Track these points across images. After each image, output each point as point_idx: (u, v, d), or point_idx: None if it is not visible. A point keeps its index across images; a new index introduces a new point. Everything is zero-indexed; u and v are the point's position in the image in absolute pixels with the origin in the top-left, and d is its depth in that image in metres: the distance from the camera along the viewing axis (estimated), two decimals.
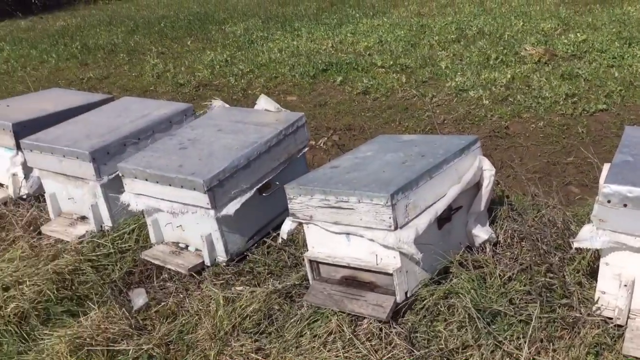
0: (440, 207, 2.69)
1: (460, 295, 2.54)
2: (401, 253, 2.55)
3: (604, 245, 2.26)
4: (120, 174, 3.34)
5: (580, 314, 2.36)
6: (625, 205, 2.19)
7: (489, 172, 2.94)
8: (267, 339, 2.67)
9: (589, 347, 2.23)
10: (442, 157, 2.80)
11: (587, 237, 2.28)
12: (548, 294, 2.51)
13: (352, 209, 2.60)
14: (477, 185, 2.98)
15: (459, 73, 6.56)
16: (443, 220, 2.81)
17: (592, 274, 2.55)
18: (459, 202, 2.89)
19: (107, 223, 3.65)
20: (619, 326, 2.30)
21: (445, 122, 5.55)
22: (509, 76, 6.25)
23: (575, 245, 2.32)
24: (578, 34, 7.24)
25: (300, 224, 2.84)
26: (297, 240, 3.21)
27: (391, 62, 7.18)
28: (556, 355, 2.25)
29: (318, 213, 2.72)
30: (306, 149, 3.58)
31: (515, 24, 8.19)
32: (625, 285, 2.26)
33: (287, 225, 2.89)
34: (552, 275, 2.60)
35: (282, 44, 8.65)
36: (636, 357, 2.19)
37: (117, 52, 9.51)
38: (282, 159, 3.39)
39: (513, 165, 4.58)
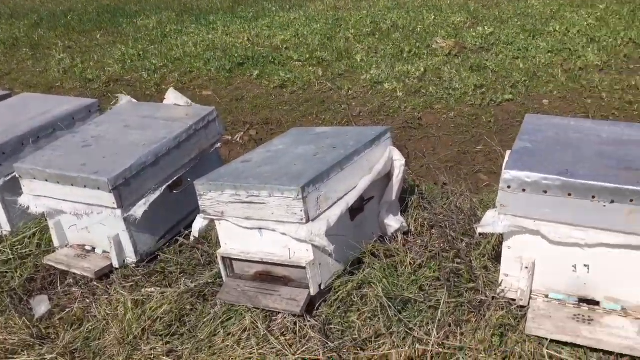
0: (351, 198, 2.70)
1: (373, 285, 2.56)
2: (314, 246, 2.54)
3: (505, 230, 2.34)
4: (17, 175, 3.14)
5: (486, 297, 2.44)
6: (524, 190, 2.27)
7: (399, 162, 2.98)
8: (179, 341, 2.59)
9: (494, 328, 2.30)
10: (353, 149, 2.81)
11: (490, 223, 2.35)
12: (456, 279, 2.57)
13: (263, 203, 2.56)
14: (388, 176, 3.01)
15: (374, 66, 6.64)
16: (355, 211, 2.82)
17: (497, 257, 2.63)
18: (370, 193, 2.91)
19: (5, 228, 3.43)
20: (522, 307, 2.39)
21: (361, 114, 5.60)
22: (421, 68, 6.39)
23: (479, 230, 2.39)
24: (486, 27, 7.50)
25: (212, 220, 2.77)
26: (210, 237, 3.14)
27: (308, 56, 7.17)
28: (464, 339, 2.31)
29: (229, 209, 2.66)
30: (219, 144, 3.50)
31: (427, 17, 8.39)
32: (527, 268, 2.35)
33: (199, 223, 2.81)
34: (459, 260, 2.67)
35: (197, 37, 8.46)
36: (538, 336, 2.28)
37: (19, 47, 8.98)
38: (193, 155, 3.30)
39: (426, 155, 4.68)
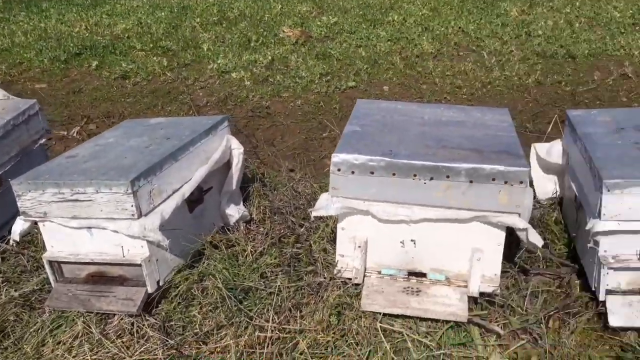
0: (187, 190, 2.62)
1: (213, 277, 2.51)
2: (148, 242, 2.43)
3: (337, 212, 2.40)
4: None
5: (324, 278, 2.49)
6: (353, 172, 2.34)
7: (237, 150, 2.95)
8: (2, 355, 2.36)
9: (331, 308, 2.36)
10: (188, 139, 2.72)
11: (324, 206, 2.40)
12: (296, 264, 2.60)
13: (90, 200, 2.40)
14: (228, 165, 2.97)
15: (221, 55, 6.54)
16: (194, 202, 2.75)
17: (335, 239, 2.70)
18: (209, 183, 2.85)
19: None
20: (357, 285, 2.47)
21: (208, 104, 5.49)
22: (269, 57, 6.40)
23: (313, 214, 2.43)
24: (330, 17, 7.68)
25: (35, 222, 2.55)
26: (37, 241, 2.89)
27: (152, 45, 6.90)
28: (303, 321, 2.35)
29: (53, 209, 2.46)
30: (43, 139, 3.24)
31: (274, 6, 8.42)
32: (359, 247, 2.43)
33: (19, 226, 2.57)
34: (299, 245, 2.70)
35: (27, 26, 7.79)
36: (372, 311, 2.37)
37: None
38: (12, 153, 3.02)
39: (275, 143, 4.70)
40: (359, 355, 2.27)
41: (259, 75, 6.01)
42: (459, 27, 7.22)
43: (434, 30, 7.13)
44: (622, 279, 2.36)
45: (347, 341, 2.32)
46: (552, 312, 2.46)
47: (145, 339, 2.39)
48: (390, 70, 6.15)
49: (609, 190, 2.22)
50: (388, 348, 2.26)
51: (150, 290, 2.49)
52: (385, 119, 2.71)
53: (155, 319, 2.46)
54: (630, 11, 7.24)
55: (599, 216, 2.28)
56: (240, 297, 2.46)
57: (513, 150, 2.40)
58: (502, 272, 2.64)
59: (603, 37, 6.44)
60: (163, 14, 8.20)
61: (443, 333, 2.37)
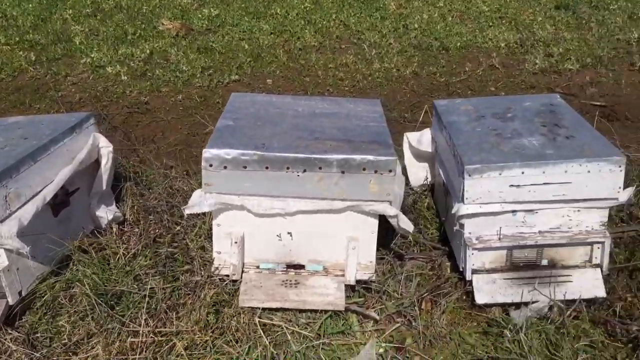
0: (49, 192, 2.45)
1: (81, 283, 2.38)
2: (6, 250, 2.25)
3: (211, 208, 2.35)
4: None
5: (201, 277, 2.43)
6: (225, 167, 2.30)
7: (106, 149, 2.80)
8: None
9: (208, 307, 2.31)
10: (48, 138, 2.55)
11: (197, 203, 2.34)
12: (171, 264, 2.52)
13: None
14: (97, 164, 2.81)
15: (95, 49, 6.21)
16: (59, 205, 2.58)
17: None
18: (76, 184, 2.69)
19: None
20: (235, 281, 2.44)
21: (82, 100, 5.20)
22: (147, 51, 6.16)
23: (186, 212, 2.36)
24: (212, 9, 7.53)
25: None
26: None
27: (17, 39, 6.43)
28: (180, 323, 2.28)
29: None
30: None
31: None
32: (236, 242, 2.40)
33: None
34: (175, 244, 2.63)
35: None
36: (251, 307, 2.35)
37: None
38: None
39: (155, 140, 4.54)
40: (238, 352, 2.25)
41: (137, 69, 5.77)
42: (341, 21, 7.33)
43: (316, 24, 7.19)
44: (486, 259, 2.50)
45: (226, 339, 2.28)
46: (425, 295, 2.56)
47: (8, 354, 2.22)
48: (274, 63, 6.13)
49: (469, 175, 2.34)
50: (267, 342, 2.25)
51: (11, 302, 2.31)
52: (259, 113, 2.68)
53: (19, 332, 2.29)
54: (497, 5, 7.70)
55: (462, 200, 2.39)
56: (112, 302, 2.35)
57: (382, 139, 2.47)
58: (378, 258, 2.72)
59: (473, 30, 6.80)
60: (31, 5, 7.65)
61: (322, 323, 2.39)
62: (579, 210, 2.41)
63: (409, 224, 2.42)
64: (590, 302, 2.47)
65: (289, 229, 2.42)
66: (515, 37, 6.49)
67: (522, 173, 2.32)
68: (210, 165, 2.29)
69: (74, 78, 5.66)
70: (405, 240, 2.89)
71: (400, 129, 4.03)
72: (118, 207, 2.88)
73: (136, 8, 7.67)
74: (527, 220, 2.43)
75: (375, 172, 2.32)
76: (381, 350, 2.33)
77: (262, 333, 2.28)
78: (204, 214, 2.59)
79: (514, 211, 2.41)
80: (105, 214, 2.77)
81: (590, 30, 6.63)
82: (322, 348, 2.32)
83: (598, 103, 5.06)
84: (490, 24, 7.06)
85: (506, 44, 6.35)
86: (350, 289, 2.51)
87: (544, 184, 2.34)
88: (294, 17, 7.44)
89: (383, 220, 2.46)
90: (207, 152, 2.28)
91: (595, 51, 5.98)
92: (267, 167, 2.30)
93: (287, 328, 2.32)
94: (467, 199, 2.38)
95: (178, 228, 2.72)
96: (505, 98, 3.30)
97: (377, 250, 2.72)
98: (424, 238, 2.87)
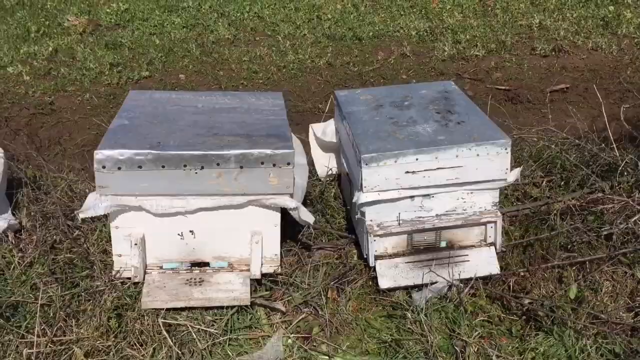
0: None
1: None
2: None
3: (107, 211, 2.30)
4: None
5: (102, 281, 2.37)
6: (119, 168, 2.24)
7: None
8: None
9: (109, 312, 2.26)
10: None
11: (91, 206, 2.28)
12: (71, 270, 2.45)
13: None
14: None
15: None
16: None
17: None
18: None
19: None
20: (137, 284, 2.40)
21: None
22: (51, 49, 5.92)
23: (81, 215, 2.30)
24: (120, 3, 7.30)
25: None
26: None
27: None
28: (80, 330, 2.22)
29: None
30: None
31: None
32: (136, 244, 2.35)
33: None
34: (75, 250, 2.55)
35: None
36: (154, 308, 2.32)
37: None
38: None
39: (61, 142, 4.38)
40: (142, 355, 2.21)
41: (40, 68, 5.54)
42: (255, 12, 7.29)
43: (229, 16, 7.11)
44: (388, 244, 2.57)
45: (129, 342, 2.24)
46: (331, 284, 2.60)
47: None
48: (187, 57, 6.03)
49: (366, 164, 2.39)
50: (171, 343, 2.23)
51: None
52: (157, 110, 2.64)
53: None
54: None
55: (361, 189, 2.44)
56: (7, 314, 2.26)
57: (281, 132, 2.48)
58: (286, 250, 2.75)
59: (385, 19, 6.92)
60: None
61: (229, 319, 2.39)
62: (472, 193, 2.51)
63: (310, 216, 2.45)
64: (487, 279, 2.58)
65: (191, 227, 2.40)
66: (425, 25, 6.66)
67: (417, 160, 2.40)
68: (104, 167, 2.23)
69: None
70: (314, 231, 2.93)
71: (314, 120, 4.06)
72: (14, 215, 2.76)
73: (39, 4, 7.35)
74: (425, 205, 2.52)
75: (274, 165, 2.33)
76: (289, 341, 2.35)
77: (166, 334, 2.25)
78: (105, 216, 2.52)
79: (411, 197, 2.49)
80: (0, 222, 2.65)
81: (495, 16, 6.88)
82: (229, 344, 2.32)
83: (503, 87, 5.28)
84: (402, 12, 7.20)
85: (417, 32, 6.50)
86: (256, 283, 2.52)
87: (438, 169, 2.42)
88: (206, 10, 7.33)
89: (284, 212, 2.48)
90: (99, 154, 2.22)
91: (499, 37, 6.21)
92: (163, 166, 2.27)
93: (192, 327, 2.31)
94: (365, 187, 2.43)
95: (77, 232, 2.64)
96: (403, 87, 3.39)
97: (285, 242, 2.75)
98: (331, 227, 2.91)
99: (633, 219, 2.66)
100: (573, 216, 2.83)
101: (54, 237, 2.62)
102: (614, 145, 3.02)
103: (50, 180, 3.10)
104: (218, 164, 2.29)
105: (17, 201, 2.87)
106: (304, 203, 2.61)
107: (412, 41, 6.34)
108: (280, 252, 2.53)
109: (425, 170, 2.42)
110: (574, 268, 2.60)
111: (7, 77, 5.39)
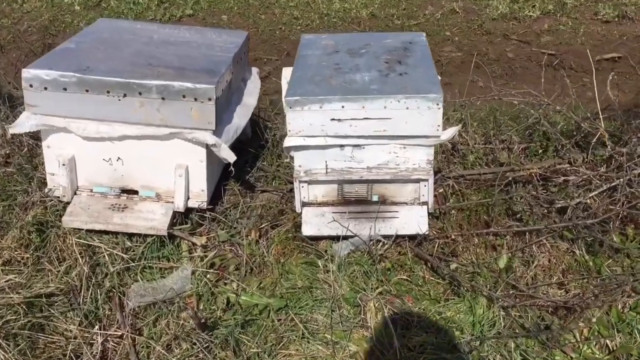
0: None
1: None
2: None
3: (33, 129, 2.39)
4: None
5: (32, 197, 2.50)
6: (45, 89, 2.32)
7: None
8: None
9: (28, 225, 2.38)
10: None
11: (20, 122, 2.38)
12: (9, 183, 2.60)
13: None
14: None
15: None
16: None
17: None
18: None
19: None
20: (68, 203, 2.50)
21: (30, 29, 5.28)
22: None
23: (10, 131, 2.41)
24: None
25: None
26: None
27: None
28: (1, 241, 2.36)
29: None
30: None
31: None
32: (64, 165, 2.44)
33: None
34: (19, 167, 2.69)
35: None
36: (75, 228, 2.41)
37: None
38: None
39: None
40: (58, 271, 2.33)
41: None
42: None
43: None
44: (318, 192, 2.51)
45: (49, 258, 2.37)
46: (263, 226, 2.59)
47: None
48: None
49: (290, 107, 2.32)
50: (81, 262, 2.32)
51: None
52: (111, 37, 2.68)
53: None
54: None
55: (288, 132, 2.38)
56: None
57: (216, 69, 2.45)
58: (228, 188, 2.76)
59: None
60: None
61: (147, 247, 2.45)
62: (404, 148, 2.38)
63: (230, 154, 2.42)
64: (415, 238, 2.47)
65: (119, 154, 2.46)
66: None
67: (342, 107, 2.29)
68: (31, 86, 2.32)
69: (28, 6, 5.71)
70: (266, 172, 2.91)
71: None
72: None
73: None
74: (356, 156, 2.42)
75: (196, 100, 2.31)
76: (198, 273, 2.38)
77: (77, 254, 2.35)
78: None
79: (341, 146, 2.40)
80: None
81: None
82: (141, 271, 2.39)
83: (548, 51, 4.88)
84: None
85: None
86: (183, 216, 2.55)
87: (365, 119, 2.30)
88: None
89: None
90: (27, 72, 2.31)
91: None
92: (87, 90, 2.32)
93: (106, 250, 2.39)
94: (290, 131, 2.36)
95: (25, 150, 2.79)
96: (371, 35, 3.21)
97: (230, 180, 2.76)
98: (279, 172, 2.88)
99: (590, 195, 2.42)
100: (535, 186, 2.61)
101: (6, 150, 2.77)
102: (600, 117, 2.73)
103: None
104: (140, 93, 2.31)
105: None
106: (239, 142, 2.60)
107: None
108: (209, 188, 2.54)
109: (352, 119, 2.31)
110: (511, 237, 2.42)
111: (60, 5, 5.68)
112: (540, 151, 2.87)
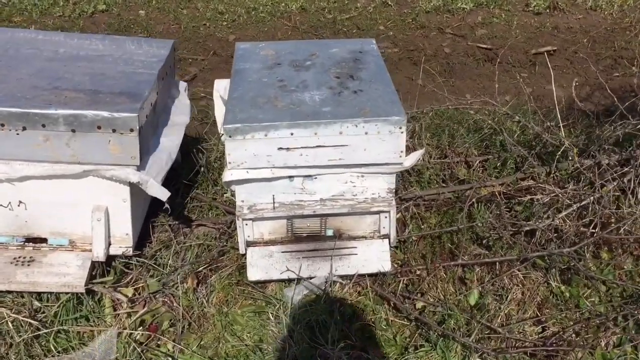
0: None
1: None
2: None
3: None
4: None
5: None
6: None
7: None
8: None
9: None
10: None
11: None
12: None
13: None
14: None
15: None
16: None
17: None
18: None
19: None
20: None
21: None
22: None
23: None
24: None
25: None
26: None
27: None
28: None
29: None
30: None
31: None
32: None
33: None
34: None
35: None
36: None
37: None
38: None
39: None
40: None
41: None
42: None
43: None
44: (264, 229, 2.19)
45: None
46: (200, 269, 2.24)
47: None
48: None
49: (230, 136, 1.97)
50: None
51: None
52: (5, 53, 2.23)
53: None
54: None
55: (228, 165, 2.04)
56: None
57: (137, 91, 2.06)
58: (157, 225, 2.38)
59: None
60: None
61: (62, 306, 2.05)
62: (362, 176, 2.09)
63: (162, 191, 2.05)
64: (376, 276, 2.19)
65: (20, 198, 2.04)
66: None
67: (292, 134, 1.97)
68: None
69: None
70: (202, 203, 2.56)
71: None
72: None
73: None
74: (307, 187, 2.11)
75: (114, 131, 1.92)
76: (126, 336, 2.01)
77: None
78: None
79: (290, 177, 2.08)
80: None
81: None
82: (55, 337, 1.99)
83: (484, 46, 4.73)
84: None
85: None
86: (104, 265, 2.16)
87: (317, 146, 1.99)
88: None
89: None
90: None
91: None
92: None
93: (8, 315, 1.97)
94: (230, 163, 2.02)
95: None
96: (315, 43, 2.90)
97: (159, 214, 2.39)
98: (217, 202, 2.53)
99: (560, 215, 2.22)
100: (499, 205, 2.40)
101: None
102: (561, 125, 2.54)
103: None
104: (44, 125, 1.90)
105: None
106: (173, 171, 2.23)
107: None
108: (134, 230, 2.16)
109: (302, 147, 1.99)
110: (480, 268, 2.20)
111: None
112: (499, 164, 2.66)
